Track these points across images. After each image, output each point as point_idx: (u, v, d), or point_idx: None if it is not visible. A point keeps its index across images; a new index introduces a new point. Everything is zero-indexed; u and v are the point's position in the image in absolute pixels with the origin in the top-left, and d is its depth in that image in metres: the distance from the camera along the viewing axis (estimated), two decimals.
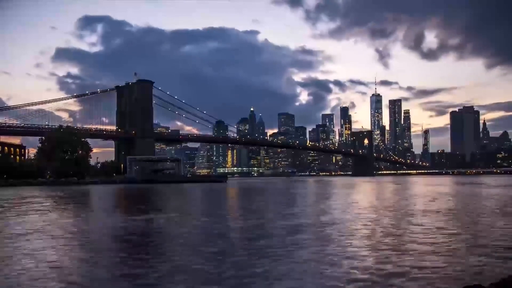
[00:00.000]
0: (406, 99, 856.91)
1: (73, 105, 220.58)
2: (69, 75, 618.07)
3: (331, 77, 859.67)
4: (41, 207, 30.49)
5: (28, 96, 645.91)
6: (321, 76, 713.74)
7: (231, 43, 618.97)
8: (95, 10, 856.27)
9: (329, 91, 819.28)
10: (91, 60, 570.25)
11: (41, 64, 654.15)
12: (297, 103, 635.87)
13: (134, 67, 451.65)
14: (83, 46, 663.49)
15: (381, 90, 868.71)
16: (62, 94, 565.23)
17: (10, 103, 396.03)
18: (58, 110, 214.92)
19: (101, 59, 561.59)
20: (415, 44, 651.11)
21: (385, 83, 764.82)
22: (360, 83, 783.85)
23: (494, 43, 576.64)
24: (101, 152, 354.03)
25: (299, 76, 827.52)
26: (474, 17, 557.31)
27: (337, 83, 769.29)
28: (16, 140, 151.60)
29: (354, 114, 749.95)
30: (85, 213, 27.41)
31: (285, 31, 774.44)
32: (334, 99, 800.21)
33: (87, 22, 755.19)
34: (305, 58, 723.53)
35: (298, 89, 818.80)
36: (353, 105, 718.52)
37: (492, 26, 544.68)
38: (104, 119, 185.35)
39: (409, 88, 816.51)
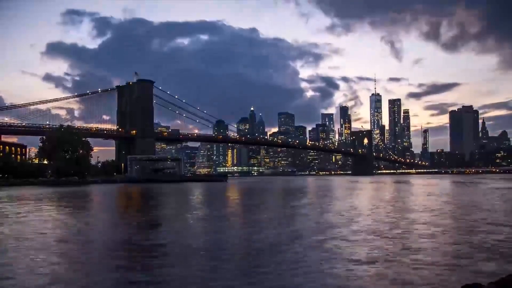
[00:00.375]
0: (416, 94, 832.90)
1: (74, 104, 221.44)
2: (63, 72, 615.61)
3: (338, 74, 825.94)
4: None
5: (25, 95, 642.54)
6: (327, 72, 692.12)
7: (226, 37, 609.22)
8: (83, 5, 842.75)
9: (336, 87, 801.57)
10: (84, 56, 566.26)
11: (35, 62, 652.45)
12: (300, 100, 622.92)
13: (129, 63, 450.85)
14: (75, 41, 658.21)
15: (391, 86, 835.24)
16: (59, 92, 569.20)
17: (8, 102, 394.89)
18: (59, 109, 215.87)
19: (95, 55, 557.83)
20: (430, 36, 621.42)
21: (394, 79, 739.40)
22: (368, 79, 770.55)
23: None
24: (102, 151, 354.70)
25: (303, 72, 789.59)
26: (495, 8, 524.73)
27: (344, 79, 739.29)
28: (16, 139, 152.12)
29: (357, 112, 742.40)
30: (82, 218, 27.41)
31: (283, 25, 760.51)
32: (341, 95, 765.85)
33: (76, 17, 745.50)
34: (309, 53, 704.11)
35: (303, 85, 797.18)
36: (360, 102, 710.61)
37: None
38: (104, 116, 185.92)
39: (420, 85, 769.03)
